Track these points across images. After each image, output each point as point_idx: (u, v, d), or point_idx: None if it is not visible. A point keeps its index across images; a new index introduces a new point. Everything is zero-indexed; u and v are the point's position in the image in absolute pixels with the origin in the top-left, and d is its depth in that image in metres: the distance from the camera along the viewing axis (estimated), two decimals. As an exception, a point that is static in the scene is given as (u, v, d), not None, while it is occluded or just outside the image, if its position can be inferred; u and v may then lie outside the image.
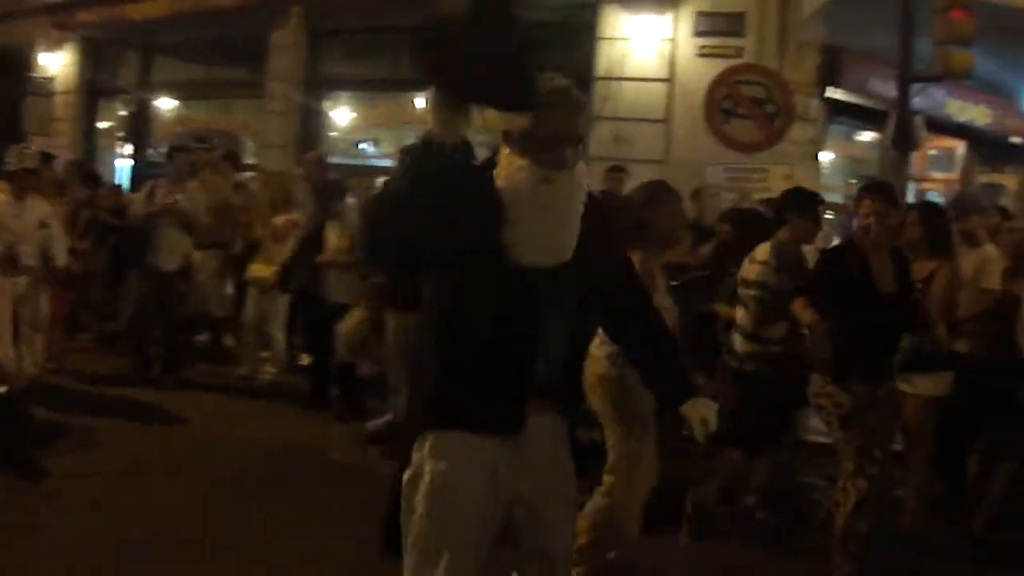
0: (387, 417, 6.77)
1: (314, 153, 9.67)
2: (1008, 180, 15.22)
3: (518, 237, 2.55)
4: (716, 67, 10.27)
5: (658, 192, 4.53)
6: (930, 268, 5.60)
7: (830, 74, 11.47)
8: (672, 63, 11.15)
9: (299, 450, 6.57)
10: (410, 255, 2.64)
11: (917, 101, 10.30)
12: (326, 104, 14.37)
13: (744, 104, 9.60)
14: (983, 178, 14.94)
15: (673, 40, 11.20)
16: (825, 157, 12.84)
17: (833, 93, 11.79)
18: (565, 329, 2.69)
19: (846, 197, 14.05)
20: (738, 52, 10.67)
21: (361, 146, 14.88)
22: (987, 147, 14.51)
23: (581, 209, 2.64)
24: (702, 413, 2.86)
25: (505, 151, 2.61)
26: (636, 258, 3.72)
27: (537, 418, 2.69)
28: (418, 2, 2.47)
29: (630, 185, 8.76)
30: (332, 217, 7.71)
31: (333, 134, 14.58)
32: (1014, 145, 14.57)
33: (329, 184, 8.21)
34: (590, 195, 2.70)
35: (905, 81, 10.07)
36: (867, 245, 4.72)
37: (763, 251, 5.60)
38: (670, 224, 4.50)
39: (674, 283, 5.30)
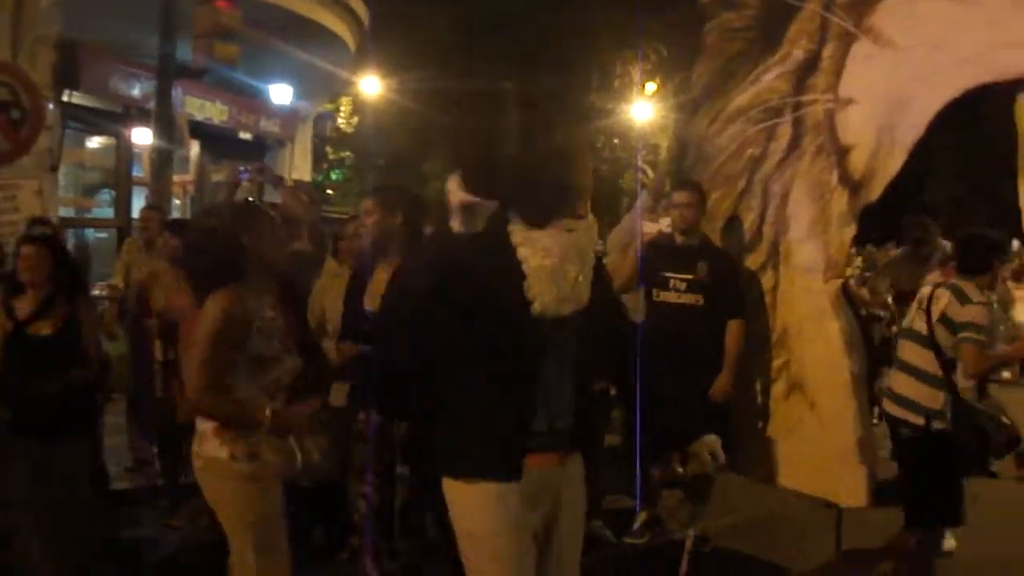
0: None
1: None
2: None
3: (540, 291, 2.59)
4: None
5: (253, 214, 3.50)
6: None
7: (66, 74, 10.46)
8: None
9: None
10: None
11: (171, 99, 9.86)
12: None
13: (-15, 110, 8.06)
14: (216, 176, 15.12)
15: None
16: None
17: (69, 95, 10.77)
18: (571, 377, 2.71)
19: (78, 210, 13.14)
20: (-32, 48, 9.28)
21: None
22: (219, 145, 14.65)
23: (594, 258, 2.73)
24: (710, 447, 3.11)
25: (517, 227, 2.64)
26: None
27: (549, 469, 2.70)
28: None
29: None
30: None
31: None
32: (244, 141, 14.95)
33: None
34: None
35: (166, 79, 9.56)
36: None
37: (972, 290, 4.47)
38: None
39: None
